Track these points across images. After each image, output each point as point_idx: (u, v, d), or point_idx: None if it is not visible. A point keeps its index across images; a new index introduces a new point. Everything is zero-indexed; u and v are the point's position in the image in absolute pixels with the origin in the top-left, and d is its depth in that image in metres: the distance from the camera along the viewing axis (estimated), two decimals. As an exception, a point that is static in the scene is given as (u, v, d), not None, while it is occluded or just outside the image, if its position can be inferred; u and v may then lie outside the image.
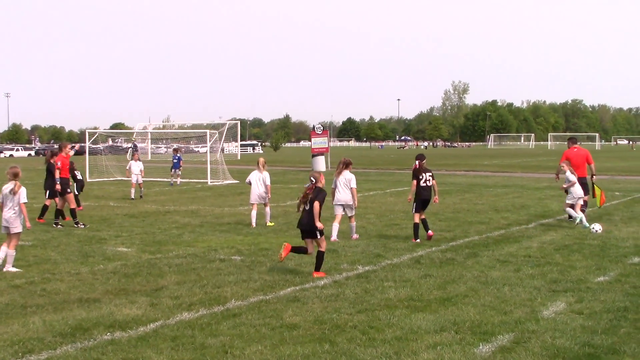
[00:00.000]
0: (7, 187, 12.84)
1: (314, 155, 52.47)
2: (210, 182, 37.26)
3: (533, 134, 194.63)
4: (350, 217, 16.38)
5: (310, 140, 55.90)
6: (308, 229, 12.32)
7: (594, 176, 20.39)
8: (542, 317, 9.35)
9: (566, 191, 18.69)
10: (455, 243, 15.75)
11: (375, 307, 9.93)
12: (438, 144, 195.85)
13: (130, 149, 68.00)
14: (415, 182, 16.14)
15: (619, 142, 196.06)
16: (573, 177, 18.54)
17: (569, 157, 20.09)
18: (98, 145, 51.78)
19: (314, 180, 12.45)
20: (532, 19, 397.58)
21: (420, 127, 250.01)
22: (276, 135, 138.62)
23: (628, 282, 11.53)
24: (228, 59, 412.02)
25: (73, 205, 19.25)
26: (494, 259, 13.70)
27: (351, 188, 15.97)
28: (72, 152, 20.76)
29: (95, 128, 74.04)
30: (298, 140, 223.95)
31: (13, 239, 12.80)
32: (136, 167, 28.56)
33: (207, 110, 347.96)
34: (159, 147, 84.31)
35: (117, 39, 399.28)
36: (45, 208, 20.06)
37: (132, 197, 27.90)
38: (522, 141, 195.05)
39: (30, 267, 13.05)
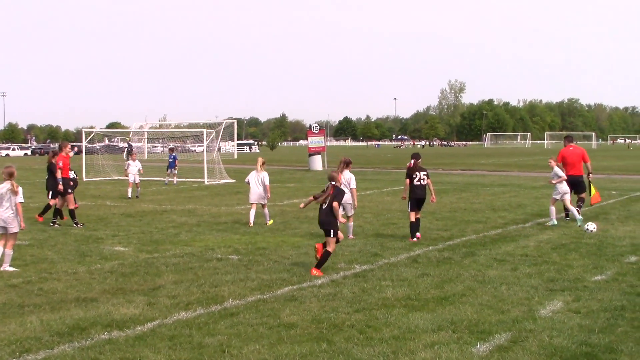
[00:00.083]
0: (4, 186, 12.81)
1: (310, 155, 52.48)
2: (207, 182, 37.24)
3: (529, 133, 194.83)
4: (348, 217, 16.39)
5: (307, 140, 55.89)
6: (324, 227, 12.55)
7: (591, 174, 20.41)
8: (540, 316, 9.36)
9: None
10: (453, 242, 15.77)
11: (372, 306, 9.94)
12: (434, 143, 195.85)
13: (126, 149, 67.93)
14: (408, 181, 16.21)
15: (620, 140, 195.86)
16: (562, 173, 18.68)
17: (565, 155, 20.11)
18: (94, 145, 51.83)
19: (333, 181, 12.73)
20: (528, 18, 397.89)
21: (417, 126, 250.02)
22: (273, 135, 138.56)
23: (625, 281, 11.55)
24: (224, 58, 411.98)
25: (72, 206, 19.23)
26: (491, 258, 13.71)
27: (351, 188, 16.00)
28: (71, 153, 20.72)
29: (92, 127, 74.01)
30: (296, 139, 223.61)
31: (10, 238, 12.79)
32: (134, 166, 28.65)
33: (204, 110, 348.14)
34: (156, 147, 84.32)
35: (114, 38, 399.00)
36: (47, 207, 20.03)
37: (129, 196, 27.95)
38: (519, 140, 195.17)
39: (28, 267, 13.03)
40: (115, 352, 7.95)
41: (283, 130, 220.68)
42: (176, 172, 37.09)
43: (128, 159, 32.73)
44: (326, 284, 11.43)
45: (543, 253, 14.21)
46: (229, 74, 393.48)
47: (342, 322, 9.13)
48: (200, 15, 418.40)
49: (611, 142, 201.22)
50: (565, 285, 11.23)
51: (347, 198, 16.11)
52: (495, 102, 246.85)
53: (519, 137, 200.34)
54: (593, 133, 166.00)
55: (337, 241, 12.66)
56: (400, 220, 19.35)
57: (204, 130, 45.24)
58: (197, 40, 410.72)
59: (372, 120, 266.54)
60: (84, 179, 39.34)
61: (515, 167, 51.69)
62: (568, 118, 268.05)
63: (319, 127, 55.28)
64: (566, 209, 19.23)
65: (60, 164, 19.26)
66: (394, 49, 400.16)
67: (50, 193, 19.92)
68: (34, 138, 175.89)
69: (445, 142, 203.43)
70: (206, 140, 43.72)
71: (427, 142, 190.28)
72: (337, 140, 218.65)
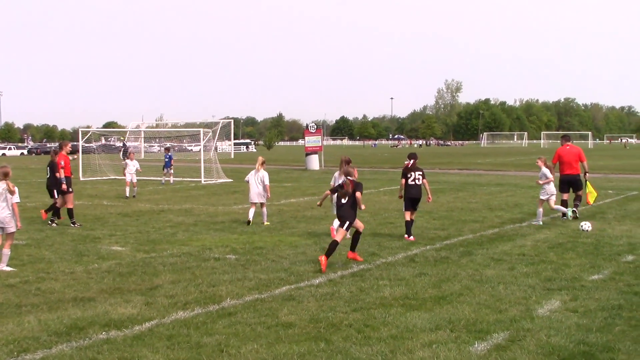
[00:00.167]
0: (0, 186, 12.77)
1: (307, 154, 52.46)
2: (204, 181, 37.22)
3: (526, 133, 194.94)
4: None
5: (303, 139, 55.88)
6: (342, 220, 13.16)
7: (587, 174, 20.44)
8: (537, 315, 9.38)
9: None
10: (450, 242, 15.78)
11: (370, 306, 9.94)
12: (431, 142, 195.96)
13: (122, 149, 67.85)
14: (403, 180, 16.34)
15: (621, 140, 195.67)
16: (550, 174, 18.67)
17: (562, 154, 20.14)
18: (91, 144, 51.68)
19: (350, 176, 13.40)
20: (525, 17, 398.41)
21: (414, 126, 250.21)
22: (269, 134, 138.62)
23: (622, 280, 11.57)
24: (221, 57, 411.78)
25: (71, 205, 19.20)
26: (489, 257, 13.73)
27: None
28: (74, 156, 20.68)
29: (88, 127, 73.83)
30: (296, 139, 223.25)
31: (8, 238, 12.77)
32: (132, 166, 28.70)
33: (201, 109, 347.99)
34: (152, 146, 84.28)
35: (110, 38, 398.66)
36: (54, 206, 19.85)
37: (127, 195, 27.97)
38: (515, 140, 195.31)
39: (25, 266, 13.01)
40: (113, 351, 7.94)
41: (280, 129, 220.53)
42: (172, 171, 37.09)
43: (125, 159, 32.71)
44: (324, 284, 11.43)
45: (540, 252, 14.23)
46: (225, 73, 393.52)
47: (340, 321, 9.13)
48: (197, 14, 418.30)
49: (608, 141, 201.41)
50: (563, 284, 11.25)
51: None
52: (492, 102, 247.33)
53: (515, 136, 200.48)
54: (589, 132, 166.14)
55: (358, 232, 13.26)
56: (398, 219, 19.35)
57: (201, 130, 45.24)
58: (194, 40, 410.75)
59: (369, 119, 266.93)
60: (81, 179, 39.30)
61: (511, 167, 51.76)
62: (564, 117, 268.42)
63: (315, 127, 55.27)
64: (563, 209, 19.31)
65: (62, 162, 19.26)
66: (390, 48, 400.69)
67: (55, 192, 19.79)
68: (30, 137, 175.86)
69: (442, 142, 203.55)
70: (203, 139, 43.72)
71: (424, 142, 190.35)
72: (333, 139, 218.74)
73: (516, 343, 8.16)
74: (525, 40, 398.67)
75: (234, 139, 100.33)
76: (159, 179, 37.80)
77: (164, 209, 23.42)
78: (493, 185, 32.94)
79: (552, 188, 18.56)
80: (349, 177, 13.38)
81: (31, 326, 8.97)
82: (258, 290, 10.99)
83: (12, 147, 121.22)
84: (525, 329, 8.71)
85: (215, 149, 50.77)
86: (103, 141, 74.86)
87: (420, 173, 16.38)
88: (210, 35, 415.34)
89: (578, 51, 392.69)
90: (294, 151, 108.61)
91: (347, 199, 13.11)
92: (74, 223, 18.79)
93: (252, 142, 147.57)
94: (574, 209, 19.51)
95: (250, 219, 18.72)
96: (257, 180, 18.85)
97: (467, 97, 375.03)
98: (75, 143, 38.68)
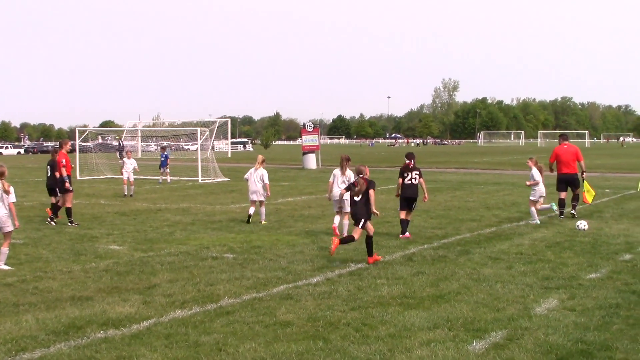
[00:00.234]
0: None
1: (304, 153, 52.47)
2: (201, 180, 37.21)
3: (523, 132, 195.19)
4: (344, 214, 16.48)
5: (301, 138, 55.90)
6: (356, 217, 13.26)
7: (584, 173, 20.47)
8: (535, 314, 9.39)
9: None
10: (447, 240, 15.79)
11: (368, 305, 9.94)
12: (428, 141, 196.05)
13: (118, 148, 67.73)
14: (400, 179, 16.41)
15: (623, 139, 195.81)
16: (538, 176, 18.58)
17: (559, 153, 20.16)
18: (88, 143, 51.69)
19: (362, 174, 13.55)
20: (521, 16, 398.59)
21: (411, 125, 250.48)
22: (266, 133, 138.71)
23: (619, 279, 11.58)
24: (218, 56, 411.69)
25: (69, 204, 19.18)
26: (486, 256, 13.74)
27: None
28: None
29: (85, 126, 73.86)
30: (293, 138, 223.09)
31: (6, 237, 12.74)
32: (130, 164, 28.71)
33: (198, 108, 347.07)
34: (149, 145, 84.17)
35: (107, 37, 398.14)
36: (58, 205, 19.76)
37: (125, 193, 28.04)
38: (512, 138, 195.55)
39: (22, 265, 13.00)
40: (111, 350, 7.94)
41: (277, 128, 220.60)
42: (168, 170, 37.07)
43: (122, 158, 32.68)
44: (321, 282, 11.43)
45: (538, 251, 14.24)
46: (222, 72, 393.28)
47: (338, 320, 9.13)
48: (194, 13, 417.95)
49: (605, 140, 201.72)
50: (560, 283, 11.26)
51: (346, 195, 16.30)
52: (489, 101, 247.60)
53: (512, 135, 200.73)
54: (586, 131, 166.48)
55: (369, 236, 13.19)
56: (395, 218, 19.31)
57: (198, 129, 45.23)
58: (191, 39, 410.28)
59: (366, 118, 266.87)
60: (78, 178, 39.25)
61: (509, 166, 51.80)
62: (561, 116, 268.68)
63: (313, 126, 55.26)
64: (560, 208, 19.37)
65: (64, 161, 19.26)
66: (387, 47, 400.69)
67: (57, 190, 19.72)
68: (27, 137, 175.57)
69: (439, 141, 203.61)
70: (200, 138, 43.69)
71: (422, 141, 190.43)
72: (330, 138, 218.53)
73: (514, 342, 8.17)
74: (522, 39, 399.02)
75: (231, 138, 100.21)
76: (156, 178, 37.78)
77: (161, 208, 23.41)
78: (490, 184, 32.98)
79: (542, 189, 18.53)
80: (361, 175, 13.50)
81: (29, 325, 8.96)
82: (256, 289, 10.99)
83: (8, 146, 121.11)
84: (523, 328, 8.72)
85: (213, 148, 50.74)
86: (100, 140, 74.73)
87: (418, 172, 16.42)
88: (207, 34, 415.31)
89: (575, 50, 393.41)
90: (291, 150, 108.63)
91: (360, 197, 13.25)
92: (71, 222, 18.77)
93: (249, 141, 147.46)
94: (573, 210, 19.55)
95: (251, 213, 18.79)
96: (257, 179, 18.87)
97: (464, 96, 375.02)
98: (72, 142, 38.62)
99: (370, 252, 13.12)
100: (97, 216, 21.03)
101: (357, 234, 13.25)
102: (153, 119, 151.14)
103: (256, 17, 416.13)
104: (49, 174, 20.01)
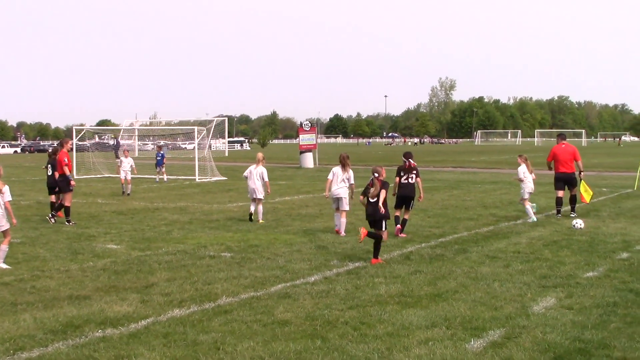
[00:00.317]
0: None
1: (301, 152, 52.47)
2: (198, 179, 37.20)
3: (520, 131, 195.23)
4: (342, 212, 16.51)
5: (298, 137, 55.90)
6: (375, 219, 13.32)
7: (582, 173, 20.50)
8: (533, 312, 9.40)
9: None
10: (445, 239, 15.80)
11: (366, 303, 9.95)
12: (425, 140, 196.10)
13: (116, 147, 67.60)
14: (397, 178, 16.48)
15: (624, 138, 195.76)
16: (521, 174, 18.88)
17: (557, 153, 20.23)
18: (85, 142, 51.62)
19: (377, 175, 13.54)
20: (518, 15, 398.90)
21: (408, 124, 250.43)
22: (263, 132, 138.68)
23: (617, 277, 11.60)
24: (215, 55, 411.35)
25: (68, 203, 19.16)
26: (484, 254, 13.75)
27: (350, 184, 16.52)
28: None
29: (82, 125, 73.72)
30: (290, 137, 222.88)
31: (5, 235, 12.70)
32: (127, 163, 28.71)
33: (194, 107, 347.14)
34: (146, 144, 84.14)
35: (104, 36, 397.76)
36: (61, 205, 19.68)
37: (123, 191, 28.06)
38: (509, 137, 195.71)
39: (19, 265, 12.98)
40: (109, 349, 7.93)
41: (274, 127, 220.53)
42: (164, 169, 37.03)
43: (118, 156, 32.71)
44: (319, 281, 11.44)
45: (535, 250, 14.26)
46: (219, 71, 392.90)
47: (336, 319, 9.13)
48: (190, 12, 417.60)
49: (602, 139, 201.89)
50: (558, 281, 11.28)
51: (342, 192, 16.35)
52: (486, 100, 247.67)
53: (509, 134, 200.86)
54: (583, 130, 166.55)
55: (383, 238, 13.36)
56: (392, 217, 19.34)
57: (195, 128, 45.21)
58: (188, 38, 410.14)
59: (363, 117, 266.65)
60: (75, 177, 39.15)
61: (505, 165, 51.80)
62: (558, 115, 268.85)
63: (310, 125, 55.26)
64: (557, 206, 19.42)
65: (66, 159, 19.28)
66: (384, 46, 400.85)
67: (58, 189, 19.67)
68: (23, 135, 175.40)
69: (436, 140, 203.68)
70: (197, 137, 43.66)
71: (419, 140, 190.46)
72: (327, 137, 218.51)
73: (512, 340, 8.18)
74: (519, 38, 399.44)
75: (228, 137, 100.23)
76: (153, 177, 37.76)
77: (158, 207, 23.39)
78: (487, 183, 33.00)
79: (529, 186, 18.79)
80: (376, 175, 13.52)
81: (27, 324, 8.95)
82: (254, 288, 10.99)
83: (5, 145, 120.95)
84: (521, 326, 8.73)
85: (210, 147, 50.73)
86: (97, 139, 74.64)
87: (415, 172, 16.43)
88: (205, 33, 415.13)
89: (572, 49, 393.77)
90: (288, 149, 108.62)
91: (375, 198, 13.33)
92: (69, 221, 18.75)
93: (246, 140, 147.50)
94: (573, 212, 19.59)
95: (252, 212, 18.85)
96: (257, 176, 18.87)
97: (461, 95, 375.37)
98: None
99: (376, 254, 13.06)
100: (94, 215, 21.01)
101: (385, 235, 13.43)
102: (150, 118, 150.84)
103: (253, 17, 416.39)
104: (50, 173, 20.01)
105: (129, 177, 28.64)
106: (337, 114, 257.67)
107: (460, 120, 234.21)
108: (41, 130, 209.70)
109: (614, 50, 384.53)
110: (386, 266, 12.65)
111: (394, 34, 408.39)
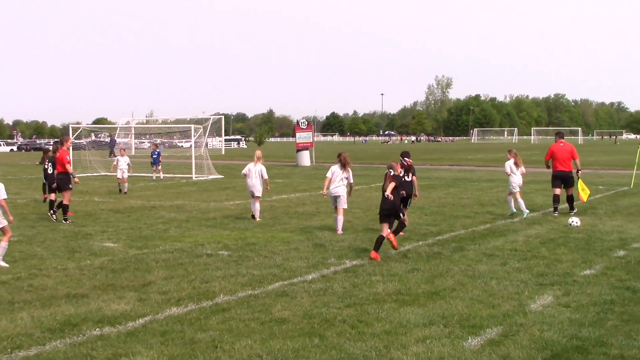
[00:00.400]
0: None
1: (298, 150, 52.46)
2: (195, 177, 37.19)
3: (516, 129, 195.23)
4: (339, 210, 16.52)
5: (294, 135, 55.90)
6: (392, 213, 13.44)
7: (580, 171, 20.54)
8: (530, 310, 9.41)
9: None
10: (442, 237, 15.81)
11: (363, 301, 9.95)
12: (422, 138, 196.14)
13: (111, 144, 67.54)
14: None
15: (625, 136, 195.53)
16: (508, 169, 19.33)
17: (555, 151, 20.30)
18: (81, 141, 51.55)
19: (392, 170, 13.63)
20: (514, 14, 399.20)
21: (404, 122, 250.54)
22: (260, 130, 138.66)
23: (614, 275, 11.62)
24: (212, 54, 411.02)
25: (67, 202, 19.14)
26: (481, 252, 13.76)
27: (350, 182, 16.55)
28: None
29: (78, 123, 73.55)
30: (286, 135, 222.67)
31: (4, 232, 12.67)
32: (123, 161, 28.72)
33: (191, 105, 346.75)
34: (142, 142, 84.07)
35: (101, 34, 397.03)
36: (62, 204, 19.62)
37: (120, 189, 28.06)
38: (506, 135, 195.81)
39: (17, 263, 12.97)
40: (107, 347, 7.93)
41: (270, 125, 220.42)
42: (160, 167, 36.98)
43: (114, 155, 32.70)
44: (317, 279, 11.44)
45: (532, 248, 14.27)
46: (216, 70, 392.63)
47: (334, 317, 9.14)
48: (187, 11, 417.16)
49: (599, 137, 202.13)
50: (555, 279, 11.29)
51: (341, 191, 16.34)
52: (482, 98, 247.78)
53: (505, 132, 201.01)
54: (579, 128, 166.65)
55: (404, 223, 14.01)
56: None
57: (192, 126, 45.22)
58: (185, 37, 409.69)
59: (360, 115, 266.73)
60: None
61: (502, 163, 51.64)
62: (554, 113, 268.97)
63: (306, 123, 55.24)
64: (554, 204, 19.47)
65: (68, 157, 19.29)
66: (381, 45, 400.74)
67: (58, 187, 19.62)
68: (19, 134, 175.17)
69: (433, 138, 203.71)
70: (194, 135, 43.65)
71: (416, 138, 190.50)
72: (324, 135, 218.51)
73: (509, 338, 8.19)
74: (515, 36, 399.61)
75: (225, 135, 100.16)
76: (149, 175, 37.72)
77: (155, 205, 23.37)
78: (484, 181, 33.02)
79: (517, 180, 19.09)
80: (390, 170, 13.64)
81: (24, 323, 8.94)
82: (251, 286, 10.99)
83: (1, 143, 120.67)
84: (518, 324, 8.74)
85: (206, 145, 50.75)
86: (93, 137, 74.61)
87: (412, 171, 16.45)
88: (201, 32, 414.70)
89: (568, 47, 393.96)
90: (285, 147, 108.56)
91: (390, 192, 13.44)
92: (66, 220, 18.73)
93: (243, 138, 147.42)
94: (572, 211, 19.62)
95: (254, 211, 18.91)
96: (256, 174, 18.89)
97: (457, 93, 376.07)
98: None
99: (376, 248, 13.16)
100: (91, 213, 20.99)
101: (406, 221, 14.22)
102: (146, 117, 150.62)
103: (249, 15, 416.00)
104: (50, 171, 20.00)
105: (126, 175, 28.63)
106: (333, 112, 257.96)
107: (457, 118, 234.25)
108: (37, 129, 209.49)
109: (610, 49, 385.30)
110: (383, 264, 12.65)
111: (390, 32, 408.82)
